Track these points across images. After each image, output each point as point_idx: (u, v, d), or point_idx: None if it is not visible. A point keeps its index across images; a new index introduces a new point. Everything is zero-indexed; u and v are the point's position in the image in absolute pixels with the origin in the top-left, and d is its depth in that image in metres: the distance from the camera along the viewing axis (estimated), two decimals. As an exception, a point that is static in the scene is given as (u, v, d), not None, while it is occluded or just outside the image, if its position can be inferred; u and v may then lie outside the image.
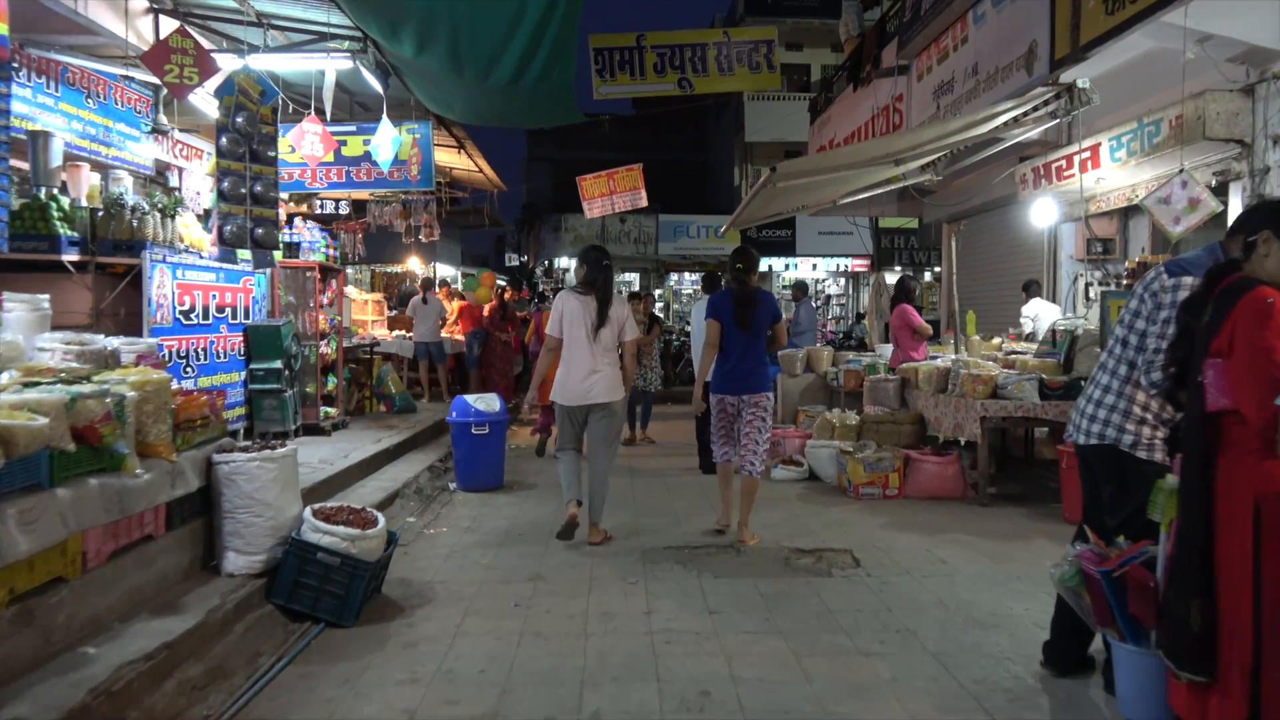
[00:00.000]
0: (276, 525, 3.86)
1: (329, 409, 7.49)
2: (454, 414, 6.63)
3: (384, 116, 7.85)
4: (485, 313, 11.28)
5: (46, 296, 4.12)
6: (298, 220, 9.33)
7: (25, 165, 5.69)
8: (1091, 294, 8.53)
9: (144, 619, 3.23)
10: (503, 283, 14.95)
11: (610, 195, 12.50)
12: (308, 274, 7.32)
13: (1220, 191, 6.03)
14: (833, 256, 21.52)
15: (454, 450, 6.79)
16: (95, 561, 3.12)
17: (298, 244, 8.51)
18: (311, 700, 3.07)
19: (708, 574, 4.50)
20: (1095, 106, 5.81)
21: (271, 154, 6.12)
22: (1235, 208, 5.94)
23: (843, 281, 22.95)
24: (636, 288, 21.94)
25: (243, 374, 6.33)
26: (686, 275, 23.37)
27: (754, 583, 4.34)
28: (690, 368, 11.09)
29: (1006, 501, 6.20)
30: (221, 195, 5.68)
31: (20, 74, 6.12)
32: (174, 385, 3.90)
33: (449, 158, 12.01)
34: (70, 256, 5.17)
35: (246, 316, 6.45)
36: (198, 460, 3.80)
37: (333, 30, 6.76)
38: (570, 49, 6.26)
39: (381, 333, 11.75)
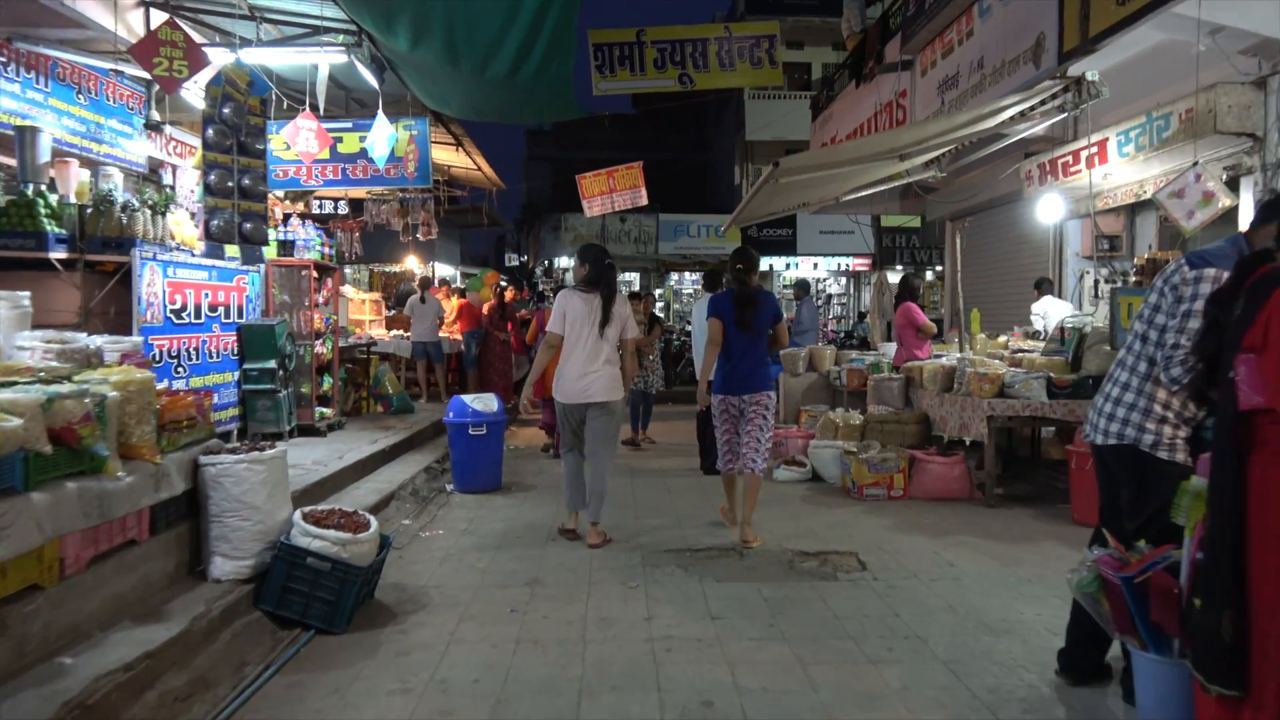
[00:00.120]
0: (265, 529, 3.75)
1: (324, 410, 7.37)
2: (451, 414, 6.52)
3: (379, 112, 7.75)
4: (484, 312, 11.17)
5: (27, 294, 4.01)
6: (294, 218, 9.23)
7: (12, 161, 5.59)
8: (1100, 291, 8.41)
9: (125, 627, 3.11)
10: (504, 283, 14.84)
11: (610, 193, 12.41)
12: (303, 272, 7.20)
13: (1231, 186, 5.92)
14: (834, 255, 21.43)
15: (451, 451, 6.67)
16: (74, 568, 3.00)
17: (293, 242, 8.40)
18: (299, 711, 2.96)
19: (710, 578, 4.39)
20: (1103, 100, 5.71)
21: (260, 146, 5.99)
22: (1247, 202, 5.83)
23: (843, 281, 22.85)
24: (637, 287, 21.85)
25: (236, 374, 6.21)
26: (687, 275, 23.29)
27: (757, 587, 4.23)
28: (691, 367, 10.99)
29: (1014, 503, 6.08)
30: (208, 189, 5.56)
31: (9, 69, 6.02)
32: (161, 385, 3.79)
33: (447, 155, 11.92)
34: (58, 254, 5.08)
35: (240, 315, 6.32)
36: (184, 462, 3.68)
37: (326, 23, 6.66)
38: (569, 41, 6.14)
39: (379, 332, 11.64)
